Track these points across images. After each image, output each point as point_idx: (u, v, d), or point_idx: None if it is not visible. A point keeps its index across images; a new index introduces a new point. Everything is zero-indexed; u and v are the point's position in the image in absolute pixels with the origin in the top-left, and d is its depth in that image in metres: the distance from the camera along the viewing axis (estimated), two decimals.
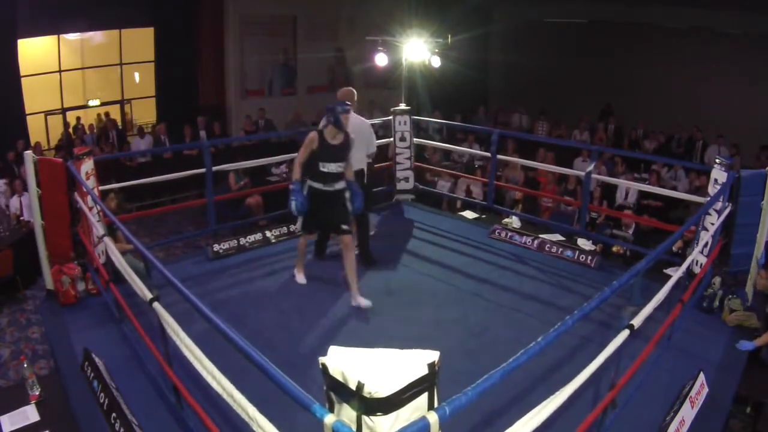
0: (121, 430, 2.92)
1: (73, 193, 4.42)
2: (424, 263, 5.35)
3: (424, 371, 1.83)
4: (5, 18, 8.82)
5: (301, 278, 4.91)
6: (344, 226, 4.40)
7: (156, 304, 2.78)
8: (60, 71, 10.28)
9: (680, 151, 10.63)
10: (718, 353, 3.88)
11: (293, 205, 4.31)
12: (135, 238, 3.23)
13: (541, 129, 11.93)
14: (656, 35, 11.61)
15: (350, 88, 5.04)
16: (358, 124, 4.85)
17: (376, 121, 6.77)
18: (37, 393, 3.32)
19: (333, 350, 1.97)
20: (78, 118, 10.24)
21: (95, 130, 9.99)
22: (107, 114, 10.73)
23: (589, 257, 5.40)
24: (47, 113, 10.26)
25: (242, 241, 5.55)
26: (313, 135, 4.25)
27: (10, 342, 5.50)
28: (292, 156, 6.99)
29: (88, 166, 4.41)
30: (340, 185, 4.37)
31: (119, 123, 10.69)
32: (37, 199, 4.40)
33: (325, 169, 4.26)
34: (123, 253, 3.88)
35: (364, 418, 1.76)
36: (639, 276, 3.00)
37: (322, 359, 1.89)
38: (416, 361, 1.85)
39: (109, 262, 4.09)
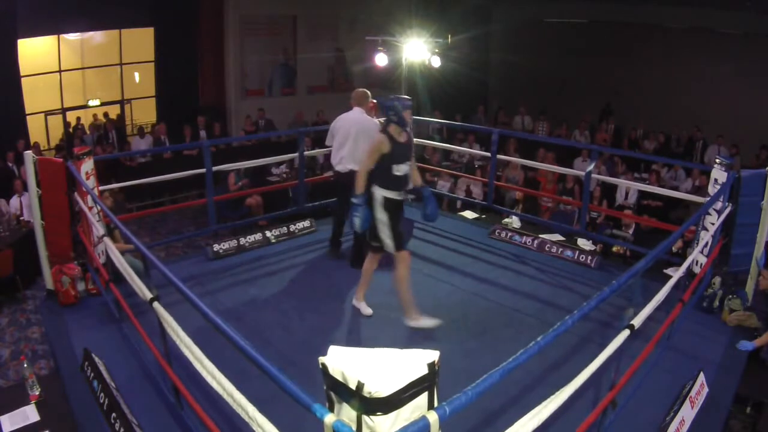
0: (121, 430, 2.92)
1: (73, 193, 4.42)
2: (424, 263, 5.34)
3: (424, 371, 1.83)
4: (5, 18, 8.82)
5: (366, 309, 4.30)
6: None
7: (156, 304, 2.78)
8: (60, 71, 10.29)
9: (680, 151, 10.64)
10: (718, 353, 3.88)
11: (358, 221, 3.89)
12: (135, 237, 3.23)
13: (541, 129, 11.94)
14: (656, 35, 11.62)
15: (364, 89, 5.10)
16: (361, 122, 4.93)
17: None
18: (37, 393, 3.32)
19: (333, 350, 1.97)
20: (78, 119, 10.25)
21: (89, 131, 9.97)
22: (106, 114, 10.73)
23: (589, 257, 5.40)
24: (47, 113, 10.27)
25: (242, 241, 5.55)
26: (381, 137, 3.85)
27: (10, 342, 5.50)
28: (293, 156, 7.04)
29: (88, 166, 4.41)
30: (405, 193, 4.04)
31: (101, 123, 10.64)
32: (37, 199, 4.40)
33: (398, 173, 3.88)
34: (122, 253, 3.88)
35: (364, 417, 1.76)
36: (638, 276, 2.99)
37: (322, 359, 1.89)
38: (416, 361, 1.85)
39: (109, 262, 4.09)
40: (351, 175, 4.56)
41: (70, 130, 10.17)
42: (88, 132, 9.90)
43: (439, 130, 10.60)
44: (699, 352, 3.85)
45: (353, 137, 4.86)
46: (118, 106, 11.09)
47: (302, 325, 4.20)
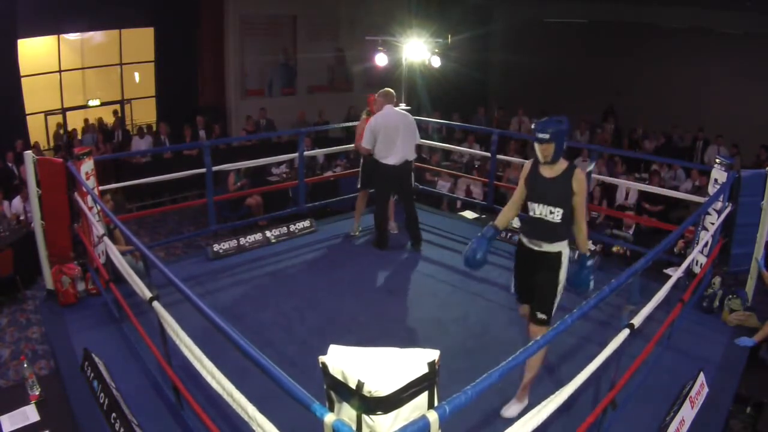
0: (121, 430, 2.92)
1: (73, 193, 4.42)
2: (424, 263, 5.35)
3: (425, 370, 1.83)
4: (5, 18, 8.83)
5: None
6: (540, 314, 3.12)
7: (155, 303, 2.78)
8: (60, 71, 10.29)
9: (680, 152, 10.63)
10: (718, 353, 3.88)
11: (466, 253, 3.21)
12: (135, 237, 3.23)
13: None
14: (656, 35, 11.62)
15: (389, 88, 5.38)
16: (403, 116, 5.29)
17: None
18: (37, 393, 3.32)
19: (333, 349, 1.96)
20: (86, 120, 10.27)
21: (81, 135, 9.95)
22: (115, 112, 10.72)
23: None
24: (47, 113, 10.27)
25: (242, 241, 5.55)
26: (527, 163, 3.28)
27: (10, 342, 5.50)
28: (293, 156, 7.03)
29: (88, 166, 4.41)
30: (553, 247, 3.11)
31: (109, 125, 10.63)
32: (37, 199, 4.40)
33: (532, 213, 3.18)
34: (122, 253, 3.88)
35: (364, 417, 1.75)
36: (637, 275, 2.99)
37: (322, 358, 1.89)
38: (416, 360, 1.85)
39: (109, 262, 4.09)
40: (405, 165, 5.30)
41: (61, 132, 10.17)
42: (80, 136, 9.86)
43: (438, 130, 10.60)
44: (699, 352, 3.85)
45: (402, 132, 5.22)
46: (117, 106, 11.09)
47: (302, 325, 4.20)
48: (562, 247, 3.11)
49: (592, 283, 3.13)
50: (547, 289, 3.12)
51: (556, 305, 3.14)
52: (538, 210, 3.12)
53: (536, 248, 3.16)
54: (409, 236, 5.63)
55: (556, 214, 3.06)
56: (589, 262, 3.14)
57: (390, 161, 5.23)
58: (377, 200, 5.60)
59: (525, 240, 3.25)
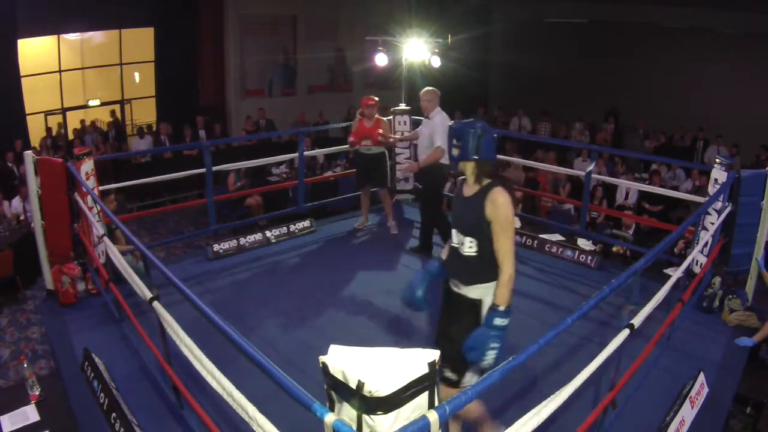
0: (121, 430, 2.92)
1: (73, 193, 4.42)
2: (424, 263, 5.34)
3: (425, 370, 1.83)
4: (5, 18, 8.83)
5: None
6: (447, 372, 2.57)
7: (156, 304, 2.78)
8: (60, 71, 10.29)
9: (680, 151, 10.64)
10: (718, 353, 3.88)
11: (404, 292, 2.66)
12: (135, 238, 3.23)
13: (543, 130, 11.94)
14: (656, 35, 11.63)
15: (433, 88, 5.32)
16: (445, 118, 5.31)
17: None
18: (37, 393, 3.32)
19: (333, 349, 1.96)
20: (82, 121, 10.26)
21: (72, 135, 9.93)
22: (113, 112, 10.69)
23: (589, 257, 5.40)
24: (47, 113, 10.27)
25: (242, 241, 5.55)
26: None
27: (10, 342, 5.50)
28: (293, 156, 7.04)
29: (88, 166, 4.41)
30: (471, 291, 2.54)
31: (105, 127, 10.60)
32: (37, 199, 4.40)
33: (452, 241, 2.62)
34: (122, 253, 3.87)
35: (365, 417, 1.75)
36: (637, 275, 2.99)
37: (322, 358, 1.89)
38: (417, 360, 1.85)
39: (109, 262, 4.09)
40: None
41: (58, 132, 10.15)
42: (71, 136, 9.84)
43: None
44: (699, 352, 3.85)
45: None
46: (117, 106, 11.09)
47: (302, 325, 4.20)
48: (484, 294, 2.48)
49: (492, 355, 2.31)
50: (458, 343, 2.42)
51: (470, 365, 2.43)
52: (456, 238, 2.51)
53: (455, 289, 2.56)
54: (421, 242, 5.49)
55: (468, 246, 2.46)
56: (499, 321, 2.34)
57: (446, 161, 5.21)
58: (435, 206, 5.33)
59: (449, 276, 2.62)
